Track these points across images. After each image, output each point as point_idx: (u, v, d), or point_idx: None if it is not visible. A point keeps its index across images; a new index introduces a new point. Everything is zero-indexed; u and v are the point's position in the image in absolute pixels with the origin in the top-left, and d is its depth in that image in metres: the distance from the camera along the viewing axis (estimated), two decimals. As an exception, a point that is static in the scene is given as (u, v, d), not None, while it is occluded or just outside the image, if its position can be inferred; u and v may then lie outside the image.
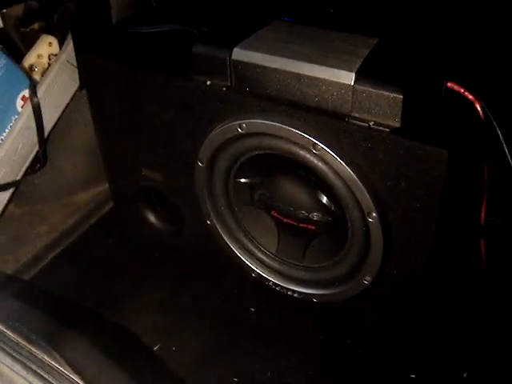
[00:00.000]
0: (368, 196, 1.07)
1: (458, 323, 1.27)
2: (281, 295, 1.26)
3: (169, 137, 1.30)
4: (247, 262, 1.36)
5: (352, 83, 1.00)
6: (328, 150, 1.07)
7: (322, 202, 1.20)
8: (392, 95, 0.99)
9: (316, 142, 1.07)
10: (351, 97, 1.02)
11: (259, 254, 1.34)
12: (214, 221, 1.34)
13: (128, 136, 1.33)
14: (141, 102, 1.29)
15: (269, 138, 1.13)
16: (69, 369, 0.85)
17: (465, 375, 1.13)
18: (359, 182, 1.07)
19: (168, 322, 1.29)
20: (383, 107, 1.00)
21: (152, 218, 1.56)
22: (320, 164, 1.10)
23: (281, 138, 1.11)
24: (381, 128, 1.01)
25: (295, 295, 1.33)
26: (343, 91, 1.03)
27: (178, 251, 1.46)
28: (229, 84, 1.10)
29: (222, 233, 1.35)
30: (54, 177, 1.54)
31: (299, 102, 1.09)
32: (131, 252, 1.48)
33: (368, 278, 1.17)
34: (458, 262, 1.32)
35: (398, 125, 1.00)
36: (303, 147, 1.09)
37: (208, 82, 1.15)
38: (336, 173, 1.09)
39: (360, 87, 1.00)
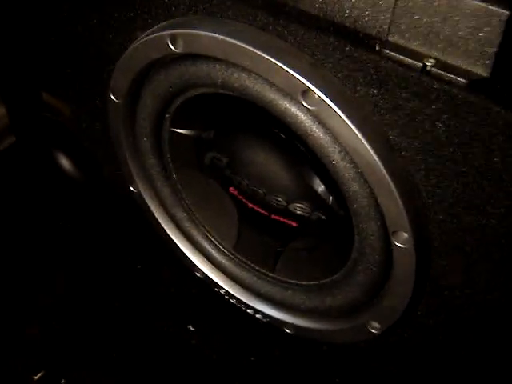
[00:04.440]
0: (399, 200, 0.54)
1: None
2: (236, 311, 0.87)
3: (71, 47, 0.77)
4: (189, 255, 0.84)
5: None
6: (331, 103, 0.53)
7: (313, 189, 0.67)
8: (482, 5, 0.43)
9: (310, 86, 0.53)
10: (393, 3, 0.47)
11: (208, 247, 0.83)
12: (140, 188, 0.81)
13: (19, 42, 0.89)
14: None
15: (224, 68, 0.58)
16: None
17: None
18: (385, 173, 0.54)
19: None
20: (458, 32, 0.45)
21: (63, 161, 1.01)
22: (314, 128, 0.56)
23: (245, 69, 0.56)
24: (449, 75, 0.46)
25: (258, 316, 0.82)
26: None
27: (96, 217, 1.04)
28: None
29: (151, 207, 0.82)
30: None
31: (287, 5, 0.53)
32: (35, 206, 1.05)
33: (376, 326, 0.67)
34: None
35: (484, 73, 0.45)
36: (286, 94, 0.56)
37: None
38: (342, 148, 0.55)
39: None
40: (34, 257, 0.98)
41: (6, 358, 0.85)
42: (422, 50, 0.51)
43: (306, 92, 0.55)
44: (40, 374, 0.83)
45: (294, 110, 0.58)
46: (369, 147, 0.56)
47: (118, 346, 0.88)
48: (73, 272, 0.97)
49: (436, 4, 0.49)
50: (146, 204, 0.87)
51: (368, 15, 0.53)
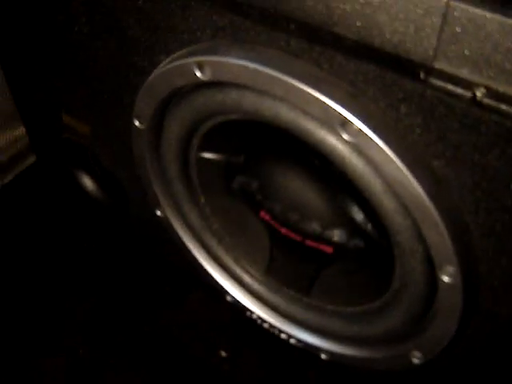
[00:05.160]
0: (445, 234, 0.50)
1: None
2: (269, 336, 0.83)
3: (92, 70, 0.76)
4: (219, 280, 0.82)
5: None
6: (372, 134, 0.49)
7: (352, 217, 0.63)
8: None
9: (349, 117, 0.49)
10: (439, 27, 0.43)
11: (238, 271, 0.80)
12: (167, 213, 0.79)
13: (39, 63, 0.86)
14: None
15: (255, 96, 0.55)
16: None
17: None
18: (431, 205, 0.50)
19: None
20: (511, 56, 0.41)
21: (86, 181, 0.99)
22: (353, 159, 0.53)
23: (277, 98, 0.53)
24: (501, 105, 0.42)
25: (292, 341, 0.79)
26: (422, 14, 0.44)
27: (122, 240, 1.02)
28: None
29: (179, 232, 0.80)
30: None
31: (322, 30, 0.50)
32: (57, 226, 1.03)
33: (418, 356, 0.64)
34: None
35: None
36: (322, 124, 0.51)
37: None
38: (384, 180, 0.52)
39: (460, 6, 0.42)
40: (56, 281, 0.96)
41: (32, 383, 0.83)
42: (471, 77, 0.47)
43: (345, 123, 0.52)
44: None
45: (331, 140, 0.55)
46: (413, 179, 0.53)
47: (148, 372, 0.86)
48: (99, 296, 0.94)
49: (487, 29, 0.45)
50: (173, 228, 0.85)
51: (411, 40, 0.49)
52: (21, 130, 1.11)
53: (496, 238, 0.53)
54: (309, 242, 0.72)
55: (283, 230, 0.74)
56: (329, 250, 0.71)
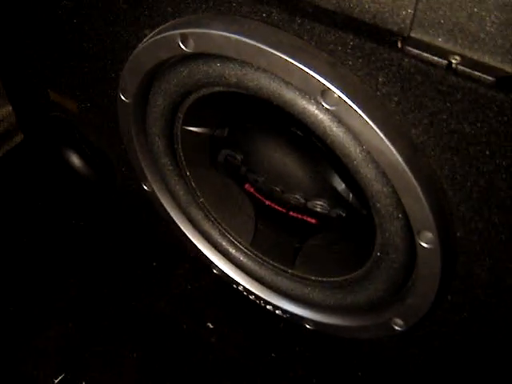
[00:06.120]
0: (424, 200, 0.52)
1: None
2: (255, 307, 0.86)
3: (78, 45, 0.76)
4: (205, 252, 0.83)
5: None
6: (351, 103, 0.51)
7: (333, 187, 0.65)
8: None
9: (329, 86, 0.50)
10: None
11: (224, 244, 0.82)
12: (154, 187, 0.80)
13: (25, 40, 0.86)
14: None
15: (238, 67, 0.56)
16: None
17: None
18: (409, 172, 0.52)
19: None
20: (485, 27, 0.43)
21: (74, 158, 1.00)
22: (333, 127, 0.54)
23: (260, 69, 0.54)
24: (475, 72, 0.44)
25: (277, 312, 0.81)
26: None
27: (109, 216, 1.03)
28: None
29: (166, 206, 0.81)
30: None
31: (302, 1, 0.51)
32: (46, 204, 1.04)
33: (400, 323, 0.66)
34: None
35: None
36: (304, 93, 0.53)
37: None
38: (363, 147, 0.54)
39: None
40: (45, 258, 0.97)
41: (25, 361, 0.84)
42: (446, 46, 0.49)
43: (325, 92, 0.53)
44: (60, 377, 0.82)
45: (312, 109, 0.56)
46: (391, 146, 0.54)
47: (137, 346, 0.87)
48: (87, 272, 0.95)
49: (461, -2, 0.46)
50: (160, 202, 0.86)
51: (389, 10, 0.50)
52: (8, 109, 1.11)
53: (472, 203, 0.55)
54: (292, 214, 0.74)
55: (267, 202, 0.75)
56: (312, 220, 0.73)
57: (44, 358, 0.85)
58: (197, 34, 0.58)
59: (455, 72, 0.48)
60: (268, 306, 0.86)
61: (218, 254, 0.87)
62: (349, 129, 0.55)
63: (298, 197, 0.71)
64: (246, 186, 0.76)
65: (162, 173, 0.81)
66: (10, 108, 1.09)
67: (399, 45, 0.50)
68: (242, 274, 0.86)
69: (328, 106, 0.54)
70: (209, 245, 0.87)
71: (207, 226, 0.85)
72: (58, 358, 0.85)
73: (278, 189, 0.72)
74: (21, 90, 0.98)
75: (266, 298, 0.85)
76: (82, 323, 0.89)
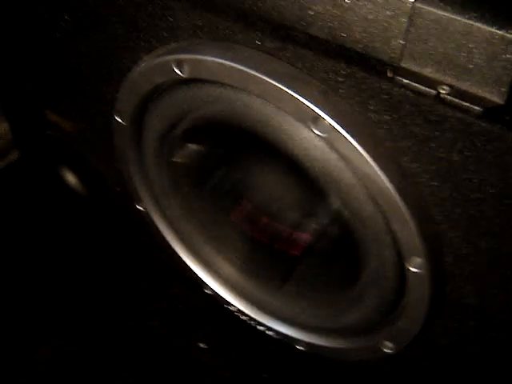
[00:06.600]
0: (413, 226, 0.53)
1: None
2: (247, 328, 0.85)
3: (74, 66, 0.77)
4: (198, 272, 0.84)
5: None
6: (342, 130, 0.52)
7: (322, 213, 0.66)
8: (499, 33, 0.42)
9: (320, 113, 0.51)
10: (405, 28, 0.46)
11: (217, 264, 0.83)
12: (147, 207, 0.80)
13: (23, 60, 0.87)
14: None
15: (231, 93, 0.57)
16: None
17: None
18: (398, 199, 0.53)
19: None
20: (473, 59, 0.43)
21: (69, 177, 1.01)
22: (324, 154, 0.55)
23: (253, 95, 0.55)
24: (464, 102, 0.45)
25: (269, 333, 0.81)
26: (390, 15, 0.46)
27: (103, 234, 1.04)
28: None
29: (159, 225, 0.82)
30: None
31: (295, 30, 0.52)
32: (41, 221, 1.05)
33: (390, 346, 0.66)
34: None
35: (500, 100, 0.44)
36: (295, 120, 0.54)
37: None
38: (354, 174, 0.54)
39: (426, 8, 0.44)
40: (38, 275, 0.97)
41: (16, 382, 0.84)
42: (435, 76, 0.50)
43: (317, 119, 0.54)
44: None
45: (303, 136, 0.57)
46: (381, 173, 0.55)
47: (129, 365, 0.87)
48: (80, 290, 0.96)
49: (450, 30, 0.48)
50: (153, 222, 0.86)
51: (379, 40, 0.52)
52: (4, 127, 1.11)
53: (461, 230, 0.56)
54: (277, 246, 0.75)
55: (253, 234, 0.76)
56: (296, 252, 0.73)
57: (35, 378, 0.85)
58: (192, 60, 0.60)
59: (444, 102, 0.49)
60: (260, 327, 0.86)
61: (211, 274, 0.87)
62: (340, 155, 0.56)
63: (283, 227, 0.71)
64: (239, 207, 0.77)
65: (155, 193, 0.82)
66: (7, 126, 1.09)
67: (389, 74, 0.51)
68: (234, 294, 0.86)
69: (319, 133, 0.55)
70: (201, 265, 0.88)
71: (200, 245, 0.85)
72: (49, 377, 0.85)
73: (268, 213, 0.73)
74: (18, 109, 0.99)
75: (257, 318, 0.85)
76: (73, 342, 0.89)
